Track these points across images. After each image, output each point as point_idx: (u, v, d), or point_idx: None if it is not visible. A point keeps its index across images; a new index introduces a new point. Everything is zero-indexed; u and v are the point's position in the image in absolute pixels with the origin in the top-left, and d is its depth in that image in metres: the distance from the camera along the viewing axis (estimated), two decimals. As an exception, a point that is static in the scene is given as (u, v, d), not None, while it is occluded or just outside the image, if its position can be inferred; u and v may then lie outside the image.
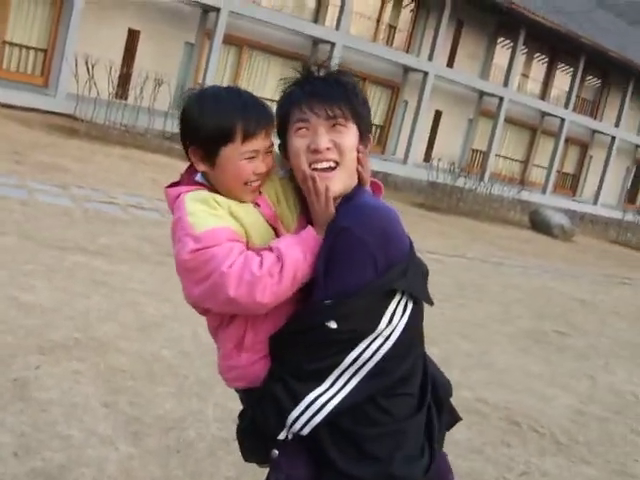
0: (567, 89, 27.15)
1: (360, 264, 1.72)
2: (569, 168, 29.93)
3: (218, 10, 17.41)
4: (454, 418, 2.10)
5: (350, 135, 1.84)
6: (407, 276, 1.76)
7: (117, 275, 6.46)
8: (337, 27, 19.99)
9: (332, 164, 1.81)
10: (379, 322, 1.75)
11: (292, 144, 1.83)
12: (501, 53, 25.34)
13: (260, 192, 1.91)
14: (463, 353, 6.58)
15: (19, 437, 3.36)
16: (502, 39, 25.15)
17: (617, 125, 28.99)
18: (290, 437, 1.80)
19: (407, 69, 22.64)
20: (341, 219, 1.77)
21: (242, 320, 1.84)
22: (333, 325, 1.72)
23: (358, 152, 1.86)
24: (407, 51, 22.89)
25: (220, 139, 1.82)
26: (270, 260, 1.71)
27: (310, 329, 1.77)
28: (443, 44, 22.67)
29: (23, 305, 5.10)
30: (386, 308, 1.76)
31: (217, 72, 18.16)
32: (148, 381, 4.33)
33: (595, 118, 29.35)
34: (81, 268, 6.39)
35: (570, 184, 30.33)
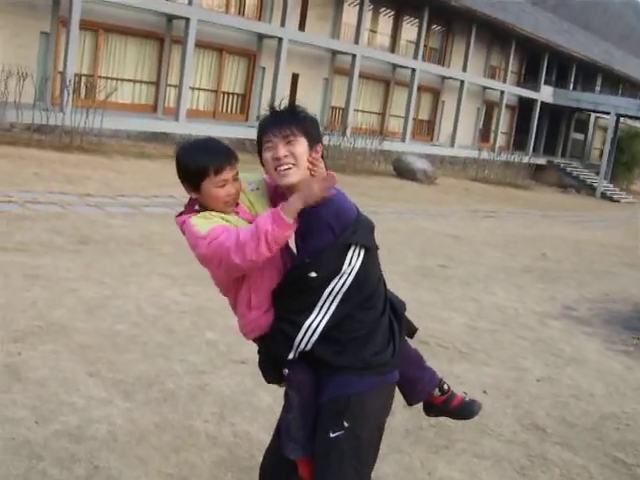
0: (415, 40, 28.47)
1: (323, 232, 2.49)
2: (424, 115, 31.47)
3: (70, -4, 17.34)
4: (413, 328, 3.00)
5: (300, 146, 2.56)
6: (357, 233, 2.52)
7: (44, 267, 6.93)
8: (190, 2, 20.22)
9: (290, 166, 2.55)
10: (342, 265, 2.52)
11: (264, 156, 2.59)
12: (349, 11, 26.24)
13: (238, 204, 2.68)
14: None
15: (33, 409, 3.95)
16: (348, -2, 26.08)
17: (464, 70, 30.70)
18: (296, 356, 2.60)
19: (262, 37, 23.21)
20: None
21: (246, 289, 2.63)
22: (313, 274, 2.50)
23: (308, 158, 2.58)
24: (259, 19, 23.42)
25: (199, 176, 2.60)
26: (250, 232, 2.45)
27: (298, 280, 2.54)
28: (293, 9, 23.35)
29: (-24, 305, 5.56)
30: (346, 255, 2.52)
31: (76, 58, 18.09)
32: (115, 351, 4.96)
33: (443, 65, 30.94)
34: (9, 265, 6.82)
35: (427, 130, 31.91)
